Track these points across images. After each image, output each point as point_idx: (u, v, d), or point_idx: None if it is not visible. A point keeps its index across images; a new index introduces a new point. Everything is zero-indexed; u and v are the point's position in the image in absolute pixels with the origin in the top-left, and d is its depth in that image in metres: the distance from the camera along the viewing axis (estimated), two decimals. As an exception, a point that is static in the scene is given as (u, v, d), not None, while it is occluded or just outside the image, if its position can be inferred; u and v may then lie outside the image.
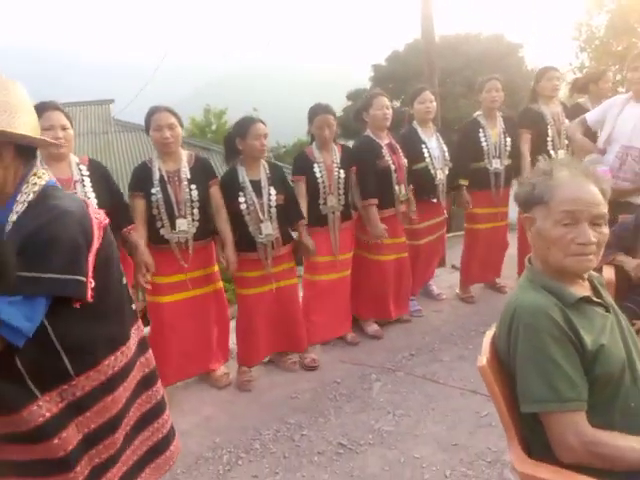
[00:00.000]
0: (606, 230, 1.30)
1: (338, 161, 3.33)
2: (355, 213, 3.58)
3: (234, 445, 2.56)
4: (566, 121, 3.96)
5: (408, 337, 3.64)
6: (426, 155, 3.73)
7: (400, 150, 3.59)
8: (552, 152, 3.89)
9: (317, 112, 3.26)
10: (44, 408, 1.17)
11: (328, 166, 3.30)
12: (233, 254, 2.98)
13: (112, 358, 1.28)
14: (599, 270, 2.59)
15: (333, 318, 3.52)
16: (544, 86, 3.92)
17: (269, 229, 3.00)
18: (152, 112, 2.84)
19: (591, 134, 3.48)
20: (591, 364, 1.21)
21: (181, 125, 2.88)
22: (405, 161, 3.59)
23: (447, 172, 3.84)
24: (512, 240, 4.24)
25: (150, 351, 1.48)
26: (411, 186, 3.69)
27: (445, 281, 4.58)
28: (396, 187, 3.53)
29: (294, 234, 3.26)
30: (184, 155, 2.93)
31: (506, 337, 1.30)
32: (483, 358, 1.29)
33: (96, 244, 1.15)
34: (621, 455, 1.16)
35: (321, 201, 3.30)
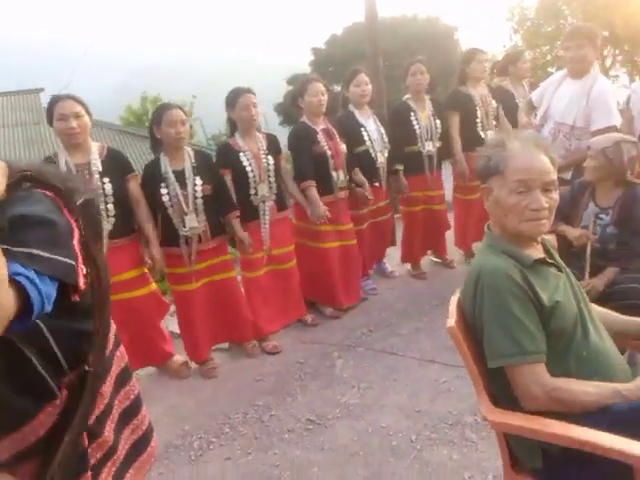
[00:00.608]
0: (556, 196, 1.40)
1: (265, 148, 3.22)
2: (292, 201, 3.55)
3: (204, 431, 2.57)
4: (493, 102, 4.10)
5: (365, 314, 3.74)
6: (366, 138, 3.73)
7: (337, 135, 3.54)
8: (481, 133, 4.00)
9: (239, 94, 3.14)
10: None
11: (255, 154, 3.18)
12: (158, 252, 2.86)
13: None
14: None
15: (281, 309, 3.48)
16: (474, 68, 3.99)
17: (194, 222, 2.87)
18: (54, 101, 2.66)
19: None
20: (548, 319, 1.32)
21: (88, 114, 2.71)
22: (343, 147, 3.56)
23: (386, 155, 3.86)
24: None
25: (122, 345, 1.43)
26: (357, 169, 3.69)
27: (397, 259, 4.71)
28: (334, 173, 3.49)
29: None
30: (94, 146, 2.75)
31: (471, 299, 1.39)
32: (451, 320, 1.37)
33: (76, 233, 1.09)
34: (577, 399, 1.27)
35: (252, 191, 3.18)
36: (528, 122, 3.41)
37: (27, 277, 0.87)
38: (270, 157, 3.23)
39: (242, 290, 3.33)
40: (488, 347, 1.34)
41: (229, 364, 3.24)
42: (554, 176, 1.39)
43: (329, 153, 3.45)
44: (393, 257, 4.74)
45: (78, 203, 1.09)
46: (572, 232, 2.60)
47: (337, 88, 16.96)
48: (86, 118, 2.69)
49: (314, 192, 3.40)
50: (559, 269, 1.44)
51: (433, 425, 2.39)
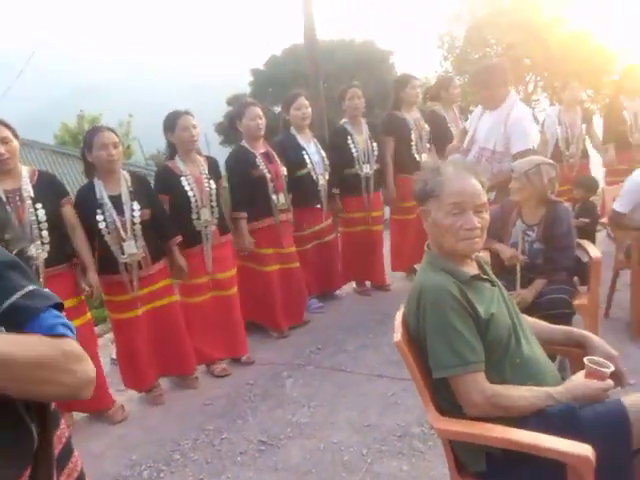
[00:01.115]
0: (487, 216, 1.54)
1: (206, 172, 3.19)
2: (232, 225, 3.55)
3: (153, 460, 2.52)
4: (426, 126, 4.32)
5: (313, 332, 3.80)
6: (307, 161, 3.81)
7: (277, 158, 3.58)
8: (416, 156, 4.18)
9: (177, 116, 3.11)
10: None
11: (197, 178, 3.13)
12: (96, 278, 2.75)
13: None
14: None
15: (225, 340, 3.36)
16: (408, 93, 4.19)
17: (132, 248, 2.79)
18: None
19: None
20: (485, 330, 1.43)
21: (16, 137, 2.61)
22: (283, 170, 3.59)
23: (327, 177, 3.95)
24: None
25: None
26: (290, 195, 3.72)
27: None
28: (274, 196, 3.51)
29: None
30: (24, 171, 2.64)
31: (415, 314, 1.49)
32: (397, 335, 1.46)
33: None
34: (515, 404, 1.38)
35: (194, 216, 3.12)
36: (456, 145, 3.65)
37: (62, 324, 0.87)
38: (212, 181, 3.21)
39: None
40: (432, 359, 1.43)
41: (176, 389, 3.19)
42: (484, 198, 1.52)
43: (269, 176, 3.48)
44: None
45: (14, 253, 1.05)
46: (504, 252, 2.79)
47: (277, 109, 17.18)
48: (15, 143, 2.58)
49: (243, 224, 3.43)
50: (492, 283, 1.57)
51: (382, 438, 2.46)
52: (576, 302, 2.70)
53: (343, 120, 4.20)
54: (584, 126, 4.73)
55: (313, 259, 4.06)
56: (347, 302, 4.35)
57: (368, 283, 4.48)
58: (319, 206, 3.94)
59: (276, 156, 3.60)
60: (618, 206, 3.15)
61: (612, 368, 1.44)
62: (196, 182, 3.13)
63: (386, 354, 3.17)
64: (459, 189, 1.50)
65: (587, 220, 4.08)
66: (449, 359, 1.39)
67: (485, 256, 2.89)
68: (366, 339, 3.58)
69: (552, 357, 1.85)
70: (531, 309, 2.60)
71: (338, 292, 4.46)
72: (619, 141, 4.65)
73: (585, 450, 1.19)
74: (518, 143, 3.16)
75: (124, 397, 3.14)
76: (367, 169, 4.09)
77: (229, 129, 3.78)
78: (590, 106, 7.84)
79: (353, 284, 4.53)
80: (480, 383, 1.38)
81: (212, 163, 3.32)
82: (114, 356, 3.53)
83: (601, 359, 1.46)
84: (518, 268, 2.72)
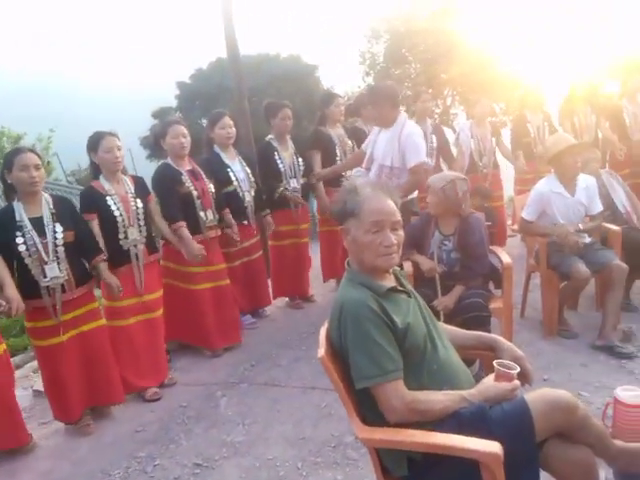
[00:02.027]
0: (402, 233, 1.64)
1: (133, 191, 3.17)
2: (161, 243, 3.53)
3: (81, 493, 2.42)
4: (349, 142, 4.49)
5: (246, 349, 3.79)
6: (233, 178, 3.85)
7: (204, 175, 3.59)
8: None
9: (101, 136, 3.06)
10: None
11: (123, 197, 3.10)
12: (12, 292, 2.57)
13: None
14: (400, 265, 3.10)
15: (151, 366, 3.27)
16: (333, 111, 4.36)
17: (55, 271, 2.70)
18: None
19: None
20: (402, 339, 1.52)
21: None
22: (211, 186, 3.60)
23: (253, 194, 4.00)
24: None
25: None
26: (227, 209, 3.76)
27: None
28: (201, 213, 3.50)
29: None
30: None
31: (337, 329, 1.56)
32: (321, 350, 1.52)
33: None
34: (432, 408, 1.47)
35: (121, 235, 3.08)
36: (360, 159, 3.80)
37: None
38: (139, 200, 3.17)
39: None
40: (354, 371, 1.50)
41: (105, 417, 3.07)
42: (399, 217, 1.63)
43: (195, 194, 3.48)
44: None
45: None
46: (424, 264, 2.96)
47: (205, 122, 16.96)
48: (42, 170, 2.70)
49: (186, 232, 3.39)
50: (408, 295, 1.67)
51: (317, 450, 2.50)
52: (492, 305, 2.90)
53: (269, 136, 4.27)
54: (494, 139, 5.09)
55: (242, 276, 4.05)
56: (280, 316, 4.38)
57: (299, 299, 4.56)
58: (246, 222, 3.97)
59: (202, 173, 3.60)
60: (526, 214, 3.41)
61: (518, 369, 1.57)
62: (122, 201, 3.09)
63: (319, 366, 3.14)
64: (377, 209, 1.59)
65: (490, 223, 4.36)
66: (370, 370, 1.46)
67: (407, 267, 3.05)
68: (299, 352, 3.63)
69: (471, 361, 1.99)
70: (451, 314, 2.78)
71: (270, 306, 4.48)
72: (525, 152, 5.03)
73: (494, 447, 1.30)
74: (413, 157, 3.32)
75: (49, 429, 3.00)
76: (294, 183, 4.20)
77: (154, 145, 3.73)
78: (502, 118, 8.39)
79: (285, 298, 4.57)
80: (399, 390, 1.46)
81: (138, 182, 3.30)
82: (37, 387, 3.36)
83: (508, 361, 1.59)
84: (437, 279, 2.88)
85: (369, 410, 1.54)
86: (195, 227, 3.50)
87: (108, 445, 2.79)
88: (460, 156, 4.97)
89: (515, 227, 3.88)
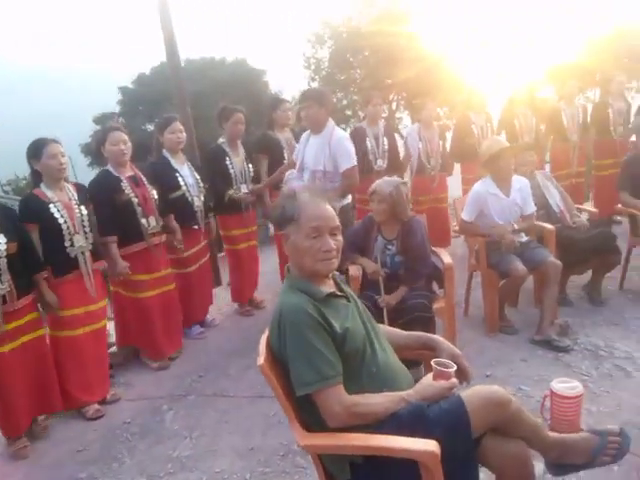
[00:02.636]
0: (341, 238, 1.65)
1: (76, 198, 3.10)
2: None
3: (16, 521, 2.29)
4: (297, 146, 4.52)
5: (195, 360, 3.71)
6: (182, 183, 3.80)
7: (146, 181, 3.52)
8: None
9: (43, 143, 2.98)
10: None
11: (66, 204, 3.03)
12: None
13: None
14: (346, 269, 3.14)
15: (93, 378, 3.16)
16: (280, 115, 4.39)
17: None
18: None
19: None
20: (342, 344, 1.52)
21: None
22: (153, 193, 3.53)
23: (203, 198, 3.97)
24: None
25: None
26: (172, 215, 3.71)
27: (225, 299, 4.76)
28: (143, 220, 3.43)
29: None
30: None
31: (277, 336, 1.54)
32: (261, 358, 1.50)
33: None
34: (372, 410, 1.48)
35: (67, 243, 3.00)
36: (293, 163, 3.80)
37: None
38: (83, 207, 3.11)
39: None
40: (294, 378, 1.49)
41: (43, 439, 2.92)
42: (338, 222, 1.64)
43: (136, 200, 3.41)
44: (220, 297, 4.78)
45: None
46: (368, 267, 3.00)
47: (150, 127, 16.57)
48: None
49: (114, 248, 3.33)
50: (347, 299, 1.67)
51: (266, 459, 2.48)
52: (435, 306, 2.96)
53: (220, 140, 4.24)
54: (441, 142, 5.25)
55: (196, 282, 4.02)
56: (229, 325, 4.32)
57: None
58: (197, 227, 3.93)
59: (144, 179, 3.53)
60: (465, 215, 3.51)
61: (455, 367, 1.60)
62: (66, 208, 3.02)
63: (268, 374, 3.19)
64: (316, 214, 1.59)
65: None
66: (309, 376, 1.45)
67: (354, 270, 3.08)
68: (249, 360, 3.56)
69: (417, 363, 2.02)
70: (396, 315, 2.82)
71: (219, 315, 4.43)
72: (469, 153, 5.20)
73: (431, 445, 1.32)
74: (344, 162, 3.37)
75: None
76: (244, 189, 4.18)
77: (95, 152, 3.62)
78: (446, 122, 8.63)
79: (236, 305, 4.51)
80: (339, 395, 1.46)
81: (81, 189, 3.23)
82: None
83: (446, 360, 1.62)
84: (381, 281, 2.92)
85: (311, 416, 1.53)
86: (137, 235, 3.43)
87: (47, 468, 2.66)
88: (407, 159, 5.10)
89: (456, 228, 3.99)
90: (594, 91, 9.75)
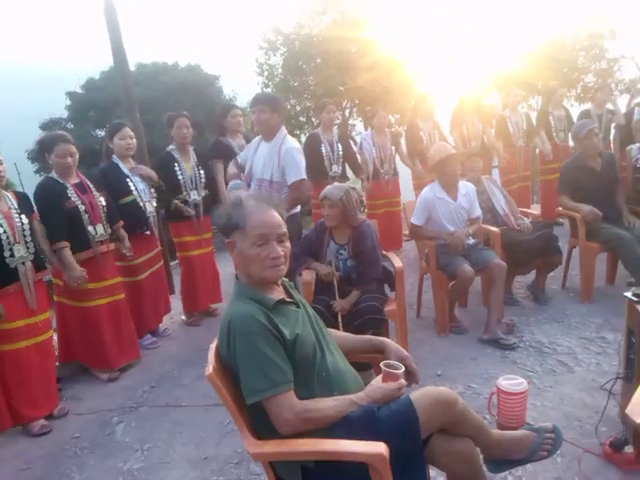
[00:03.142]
0: (289, 244, 1.66)
1: (16, 207, 2.99)
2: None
3: None
4: None
5: (147, 370, 3.63)
6: (132, 188, 3.75)
7: (93, 188, 3.42)
8: None
9: None
10: None
11: (6, 213, 2.92)
12: None
13: None
14: (300, 274, 3.16)
15: (39, 392, 3.04)
16: (230, 122, 4.39)
17: None
18: None
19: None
20: (292, 350, 1.53)
21: None
22: (101, 199, 3.44)
23: (155, 204, 3.93)
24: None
25: None
26: (121, 222, 3.62)
27: (178, 307, 4.67)
28: (90, 228, 3.34)
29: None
30: None
31: (226, 344, 1.53)
32: (209, 367, 1.48)
33: None
34: (323, 414, 1.49)
35: (7, 253, 2.88)
36: (237, 174, 3.64)
37: None
38: (24, 216, 2.99)
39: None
40: (244, 386, 1.49)
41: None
42: (285, 228, 1.64)
43: (82, 208, 3.31)
44: (174, 305, 4.69)
45: None
46: (321, 270, 3.04)
47: (100, 132, 16.10)
48: None
49: (68, 253, 3.21)
50: (297, 305, 1.68)
51: (220, 468, 2.45)
52: (387, 308, 3.02)
53: (170, 147, 4.20)
54: (393, 148, 5.37)
55: (148, 289, 3.94)
56: (181, 334, 4.24)
57: (197, 314, 4.47)
58: (149, 233, 3.88)
59: (91, 186, 3.43)
60: (414, 219, 3.60)
61: (403, 368, 1.64)
62: (5, 217, 2.90)
63: (222, 382, 3.15)
64: (262, 221, 1.59)
65: None
66: (260, 383, 1.45)
67: (307, 275, 3.10)
68: (202, 369, 3.44)
69: (366, 365, 2.05)
70: (349, 318, 2.86)
71: (171, 323, 4.35)
72: (420, 158, 5.36)
73: (379, 448, 1.34)
74: (292, 174, 3.25)
75: None
76: (195, 195, 4.13)
77: (40, 158, 3.50)
78: (398, 128, 8.81)
79: (182, 316, 4.45)
80: (290, 401, 1.47)
81: (22, 198, 3.11)
82: None
83: (394, 362, 1.66)
84: (335, 283, 2.96)
85: (262, 424, 1.53)
86: (84, 242, 3.33)
87: (-13, 490, 2.54)
88: (364, 164, 5.20)
89: (407, 232, 4.09)
90: (536, 99, 10.18)
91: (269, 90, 9.35)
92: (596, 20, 9.98)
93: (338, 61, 8.32)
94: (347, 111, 9.10)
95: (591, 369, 2.98)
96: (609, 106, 5.76)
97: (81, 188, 3.37)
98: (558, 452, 1.85)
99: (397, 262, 3.15)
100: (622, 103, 6.24)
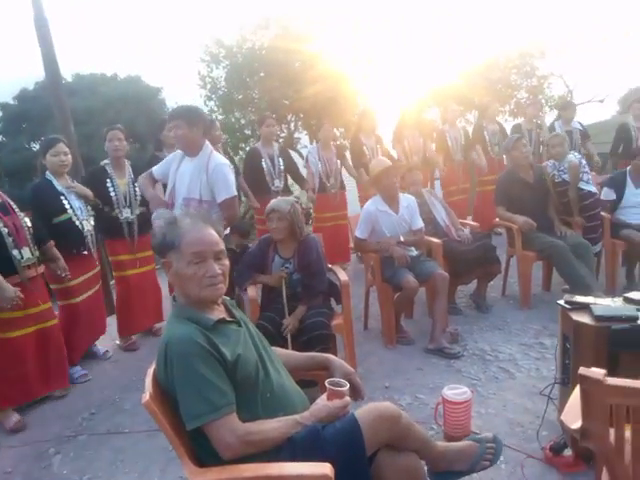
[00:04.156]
0: (227, 262, 1.62)
1: None
2: None
3: None
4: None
5: (86, 397, 3.44)
6: (67, 206, 3.56)
7: (16, 209, 3.19)
8: None
9: None
10: None
11: None
12: None
13: None
14: (245, 290, 3.12)
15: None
16: (167, 136, 4.20)
17: None
18: None
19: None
20: (233, 371, 1.49)
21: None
22: (26, 220, 3.22)
23: (93, 222, 3.74)
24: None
25: None
26: (52, 242, 3.39)
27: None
28: (15, 252, 3.09)
29: None
30: None
31: (164, 369, 1.48)
32: (147, 394, 1.42)
33: None
34: (267, 437, 1.46)
35: None
36: (155, 195, 3.30)
37: None
38: None
39: None
40: (183, 411, 1.43)
41: None
42: (222, 246, 1.62)
43: (5, 231, 3.06)
44: (112, 328, 4.50)
45: None
46: (269, 280, 3.02)
47: (35, 146, 15.39)
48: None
49: None
50: (239, 324, 1.65)
51: (164, 497, 2.35)
52: (334, 322, 3.02)
53: (104, 161, 4.01)
54: (339, 161, 5.42)
55: (85, 312, 3.71)
56: (122, 356, 4.06)
57: (134, 336, 4.25)
58: (86, 253, 3.67)
59: (14, 206, 3.19)
60: (358, 232, 3.65)
61: (348, 386, 1.63)
62: None
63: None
64: (198, 239, 1.56)
65: None
66: (199, 408, 1.41)
67: (252, 291, 3.07)
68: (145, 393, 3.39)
69: (313, 383, 2.03)
70: (297, 334, 2.84)
71: (112, 346, 4.16)
72: (365, 171, 5.43)
73: (323, 468, 1.32)
74: (222, 192, 3.04)
75: None
76: (127, 213, 3.92)
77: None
78: (343, 142, 8.92)
79: (117, 340, 4.23)
80: (232, 425, 1.42)
81: None
82: None
83: (339, 379, 1.65)
84: (284, 298, 2.95)
85: (204, 450, 1.47)
86: (9, 268, 3.05)
87: None
88: (310, 177, 5.22)
89: (352, 245, 4.13)
90: (474, 114, 10.61)
91: (212, 103, 9.25)
92: (526, 41, 10.56)
93: (282, 74, 8.35)
94: (292, 124, 9.13)
95: (531, 375, 3.09)
96: (538, 121, 6.09)
97: (3, 209, 3.12)
98: (502, 459, 1.90)
99: (342, 275, 3.17)
100: (551, 118, 6.59)
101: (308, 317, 2.87)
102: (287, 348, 2.65)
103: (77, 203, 3.65)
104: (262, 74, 8.78)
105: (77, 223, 3.60)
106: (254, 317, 2.95)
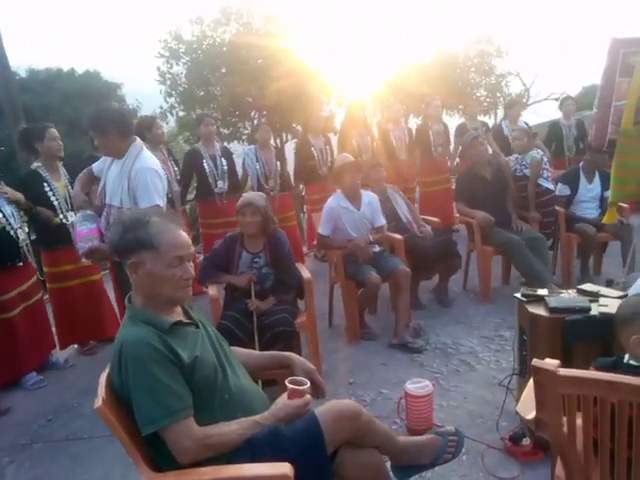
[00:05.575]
0: (192, 264, 1.61)
1: None
2: None
3: None
4: (171, 164, 4.37)
5: (42, 402, 3.33)
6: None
7: None
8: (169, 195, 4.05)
9: None
10: None
11: None
12: None
13: None
14: (206, 288, 3.10)
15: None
16: (155, 133, 4.19)
17: None
18: None
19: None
20: (191, 374, 1.46)
21: None
22: None
23: (27, 230, 3.51)
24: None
25: None
26: None
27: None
28: None
29: None
30: None
31: (117, 372, 1.44)
32: (99, 399, 1.38)
33: None
34: (226, 439, 1.44)
35: None
36: (78, 193, 3.02)
37: None
38: None
39: None
40: (139, 416, 1.39)
41: None
42: (193, 248, 1.59)
43: None
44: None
45: None
46: (238, 282, 3.00)
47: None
48: None
49: None
50: (197, 326, 1.62)
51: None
52: (299, 320, 3.01)
53: (35, 164, 3.71)
54: (278, 163, 5.33)
55: (23, 326, 3.48)
56: (80, 361, 3.93)
57: (93, 342, 4.08)
58: (21, 263, 3.44)
59: None
60: (321, 230, 3.65)
61: (308, 384, 1.62)
62: None
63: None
64: (180, 242, 1.55)
65: None
66: (155, 412, 1.37)
67: (214, 290, 3.03)
68: (105, 396, 3.30)
69: (274, 382, 2.01)
70: (263, 329, 2.82)
71: (69, 351, 4.02)
72: (311, 174, 5.39)
73: (283, 468, 1.31)
74: (144, 199, 2.73)
75: None
76: (72, 217, 3.59)
77: None
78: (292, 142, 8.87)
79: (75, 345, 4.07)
80: (189, 428, 1.40)
81: None
82: None
83: (300, 377, 1.64)
84: (252, 284, 2.96)
85: (160, 455, 1.44)
86: None
87: None
88: (244, 180, 5.13)
89: (314, 243, 4.13)
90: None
91: (172, 100, 9.07)
92: (484, 40, 10.81)
93: (244, 71, 8.25)
94: (255, 121, 9.04)
95: (491, 366, 3.16)
96: (481, 119, 6.10)
97: None
98: (464, 450, 1.93)
99: (305, 273, 3.16)
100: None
101: (273, 313, 2.85)
102: (253, 348, 2.61)
103: (9, 209, 3.40)
104: (224, 70, 8.66)
105: (11, 232, 3.36)
106: (215, 317, 2.90)
